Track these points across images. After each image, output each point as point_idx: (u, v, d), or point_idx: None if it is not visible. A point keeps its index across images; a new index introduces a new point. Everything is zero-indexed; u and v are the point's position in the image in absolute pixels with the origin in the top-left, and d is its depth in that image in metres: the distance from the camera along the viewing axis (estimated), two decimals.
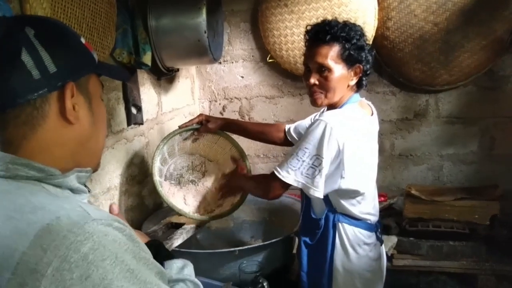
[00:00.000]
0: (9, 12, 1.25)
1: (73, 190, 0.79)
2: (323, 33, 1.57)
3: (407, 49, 2.50)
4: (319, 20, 1.66)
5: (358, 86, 1.64)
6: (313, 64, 1.59)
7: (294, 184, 1.55)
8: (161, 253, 0.97)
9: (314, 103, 1.64)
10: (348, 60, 1.56)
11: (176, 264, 0.97)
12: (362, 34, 1.59)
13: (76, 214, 0.66)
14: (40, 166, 0.73)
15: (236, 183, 1.93)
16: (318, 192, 1.52)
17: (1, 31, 0.73)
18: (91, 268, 0.60)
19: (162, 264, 0.92)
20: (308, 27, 1.65)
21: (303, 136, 1.58)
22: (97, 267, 0.61)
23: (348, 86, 1.61)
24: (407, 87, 2.68)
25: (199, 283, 0.94)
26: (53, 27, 0.79)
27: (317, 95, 1.61)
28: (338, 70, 1.56)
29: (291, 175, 1.54)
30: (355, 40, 1.55)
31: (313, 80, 1.59)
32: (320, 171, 1.50)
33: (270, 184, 1.62)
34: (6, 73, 0.70)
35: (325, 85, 1.59)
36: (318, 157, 1.50)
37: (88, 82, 0.82)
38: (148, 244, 0.89)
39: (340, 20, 1.63)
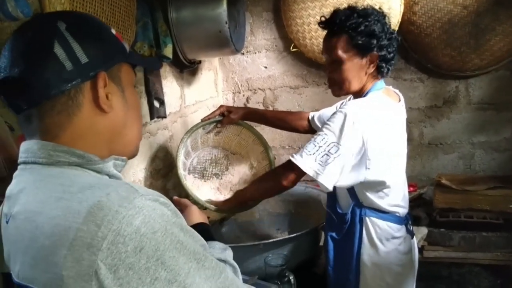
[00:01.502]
0: (27, 7, 1.25)
1: (110, 176, 0.81)
2: (330, 24, 1.55)
3: (435, 34, 2.41)
4: (342, 7, 1.62)
5: (379, 73, 1.59)
6: (326, 57, 1.59)
7: (305, 169, 1.46)
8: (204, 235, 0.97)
9: (333, 94, 1.64)
10: (359, 48, 1.52)
11: (218, 245, 1.00)
12: (375, 20, 1.52)
13: (125, 190, 0.69)
14: (81, 152, 0.76)
15: (245, 196, 1.79)
16: (328, 181, 1.44)
17: (35, 27, 0.77)
18: (144, 240, 0.64)
19: None
20: (322, 19, 1.62)
21: (324, 124, 1.53)
22: (149, 239, 0.64)
23: (366, 74, 1.56)
24: (436, 74, 2.59)
25: (238, 267, 0.95)
26: (83, 21, 0.82)
27: (332, 87, 1.61)
28: (350, 61, 1.53)
29: (305, 159, 1.46)
30: (362, 27, 1.50)
31: (327, 72, 1.60)
32: (334, 159, 1.43)
33: (284, 170, 1.57)
34: (41, 66, 0.73)
35: (338, 77, 1.57)
36: (336, 144, 1.44)
37: (120, 71, 0.84)
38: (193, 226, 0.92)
39: (363, 6, 1.58)
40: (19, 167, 0.79)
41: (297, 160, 1.48)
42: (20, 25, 0.80)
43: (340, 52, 1.53)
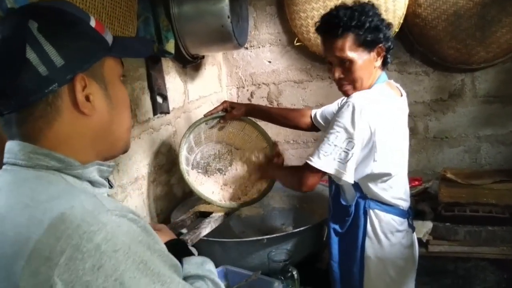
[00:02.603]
0: (26, 3, 1.25)
1: (92, 183, 0.79)
2: (333, 27, 1.52)
3: (440, 26, 2.39)
4: (346, 1, 1.61)
5: (384, 63, 1.60)
6: (333, 58, 1.57)
7: (327, 170, 1.48)
8: (180, 252, 0.94)
9: (345, 94, 1.62)
10: (367, 44, 1.52)
11: (195, 260, 0.96)
12: (374, 14, 1.53)
13: (91, 204, 0.67)
14: (61, 156, 0.74)
15: (270, 173, 1.90)
16: (350, 177, 1.47)
17: (6, 30, 0.72)
18: (104, 258, 0.61)
19: (181, 262, 0.90)
20: (317, 23, 1.60)
21: (332, 120, 1.53)
22: (109, 257, 0.61)
23: (375, 68, 1.58)
24: (441, 67, 2.56)
25: (220, 283, 0.91)
26: (57, 16, 0.76)
27: (346, 87, 1.59)
28: (360, 58, 1.53)
29: (323, 161, 1.47)
30: (368, 24, 1.50)
31: (338, 74, 1.57)
32: (352, 154, 1.45)
33: (303, 174, 1.56)
34: (14, 72, 0.70)
35: (351, 77, 1.56)
36: (350, 140, 1.45)
37: (102, 68, 0.79)
38: (166, 244, 0.87)
39: (358, 1, 1.60)
40: (3, 167, 0.77)
41: (316, 163, 1.48)
42: None
43: (350, 52, 1.52)
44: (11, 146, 0.75)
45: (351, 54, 1.52)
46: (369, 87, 1.59)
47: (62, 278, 0.60)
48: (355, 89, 1.58)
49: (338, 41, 1.52)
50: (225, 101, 2.01)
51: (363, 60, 1.53)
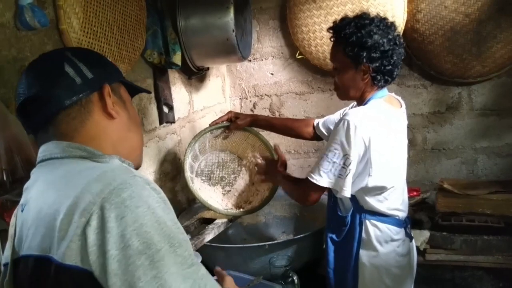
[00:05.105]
0: (44, 17, 1.32)
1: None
2: (331, 34, 1.63)
3: (437, 41, 2.46)
4: (349, 14, 1.69)
5: (374, 84, 1.60)
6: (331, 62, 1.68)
7: (329, 186, 1.56)
8: None
9: (338, 97, 1.73)
10: (351, 59, 1.57)
11: None
12: (371, 32, 1.53)
13: (122, 170, 0.81)
14: (90, 149, 0.88)
15: (277, 178, 1.91)
16: (348, 192, 1.54)
17: (45, 57, 0.93)
18: (126, 211, 0.72)
19: None
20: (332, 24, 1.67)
21: (330, 137, 1.60)
22: (131, 211, 0.72)
23: (363, 83, 1.60)
24: (439, 80, 2.63)
25: None
26: (85, 50, 1.03)
27: (336, 91, 1.71)
28: (344, 70, 1.61)
29: (324, 177, 1.55)
30: (354, 38, 1.53)
31: (332, 76, 1.68)
32: (350, 170, 1.52)
33: (305, 190, 1.64)
34: (54, 83, 0.87)
35: (338, 84, 1.66)
36: (347, 157, 1.51)
37: (120, 89, 0.98)
38: None
39: (370, 15, 1.60)
40: (37, 165, 0.90)
41: (318, 180, 1.56)
42: (31, 61, 0.94)
43: (337, 61, 1.61)
44: (46, 147, 0.89)
45: (336, 63, 1.63)
46: (362, 100, 1.64)
47: (92, 224, 0.71)
48: (343, 95, 1.69)
49: (333, 48, 1.64)
50: (230, 112, 2.07)
51: (347, 73, 1.60)
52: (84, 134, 0.89)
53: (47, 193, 0.81)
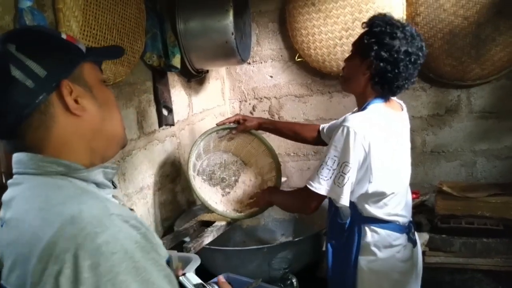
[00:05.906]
0: (43, 21, 1.32)
1: (98, 185, 0.85)
2: (368, 21, 1.61)
3: (436, 44, 2.47)
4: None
5: (374, 88, 1.58)
6: None
7: (328, 194, 1.54)
8: None
9: (340, 86, 1.78)
10: (362, 48, 1.56)
11: None
12: (394, 34, 1.49)
13: (97, 209, 0.73)
14: (66, 162, 0.81)
15: (272, 198, 1.92)
16: (346, 200, 1.52)
17: None
18: (101, 259, 0.66)
19: None
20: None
21: (329, 143, 1.57)
22: (107, 259, 0.66)
23: (364, 78, 1.58)
24: (438, 83, 2.64)
25: None
26: (31, 36, 0.85)
27: (340, 79, 1.73)
28: (354, 57, 1.62)
29: (324, 185, 1.53)
30: (377, 29, 1.52)
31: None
32: (349, 178, 1.50)
33: (305, 198, 1.62)
34: (4, 91, 0.77)
35: (344, 70, 1.68)
36: (346, 164, 1.49)
37: (82, 73, 0.86)
38: None
39: (404, 22, 1.61)
40: (13, 177, 0.84)
41: (317, 188, 1.54)
42: None
43: (354, 45, 1.63)
44: (20, 157, 0.82)
45: (353, 47, 1.64)
46: (362, 103, 1.63)
47: (66, 272, 0.65)
48: (343, 84, 1.71)
49: (360, 35, 1.62)
50: (238, 114, 2.09)
51: (354, 60, 1.61)
52: (54, 143, 0.81)
53: (24, 224, 0.75)
